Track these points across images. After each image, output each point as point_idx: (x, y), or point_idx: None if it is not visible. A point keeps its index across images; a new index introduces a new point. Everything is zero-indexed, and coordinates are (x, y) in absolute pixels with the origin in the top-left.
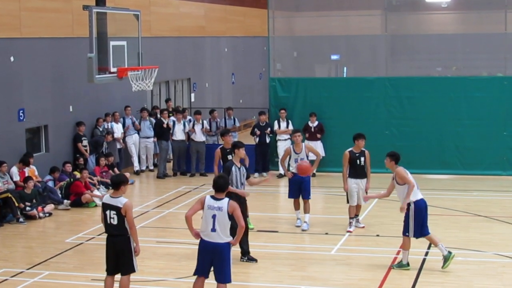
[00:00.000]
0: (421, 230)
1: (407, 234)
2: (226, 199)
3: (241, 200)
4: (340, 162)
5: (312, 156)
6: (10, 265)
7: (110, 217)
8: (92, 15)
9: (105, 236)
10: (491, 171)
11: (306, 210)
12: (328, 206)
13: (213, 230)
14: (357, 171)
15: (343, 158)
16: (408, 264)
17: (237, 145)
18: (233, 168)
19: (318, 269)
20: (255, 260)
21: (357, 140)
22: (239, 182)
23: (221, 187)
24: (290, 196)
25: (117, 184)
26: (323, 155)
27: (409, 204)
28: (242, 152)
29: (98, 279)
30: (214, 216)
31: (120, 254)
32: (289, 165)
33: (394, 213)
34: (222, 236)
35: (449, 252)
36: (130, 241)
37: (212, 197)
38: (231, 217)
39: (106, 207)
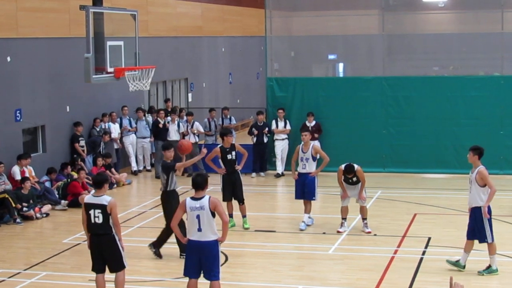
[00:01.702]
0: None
1: (486, 240)
2: (207, 197)
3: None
4: (337, 162)
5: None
6: (8, 266)
7: (94, 216)
8: (89, 15)
9: None
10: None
11: (307, 210)
12: (326, 206)
13: (199, 230)
14: (349, 183)
15: (338, 172)
16: (497, 269)
17: (165, 146)
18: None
19: (316, 268)
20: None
21: (346, 173)
22: (176, 181)
23: (200, 185)
24: (296, 197)
25: (101, 183)
26: None
27: (480, 209)
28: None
29: (95, 280)
30: (198, 216)
31: (108, 253)
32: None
33: (391, 213)
34: (209, 234)
35: (464, 266)
36: (115, 239)
37: (192, 198)
38: (214, 213)
39: (89, 206)
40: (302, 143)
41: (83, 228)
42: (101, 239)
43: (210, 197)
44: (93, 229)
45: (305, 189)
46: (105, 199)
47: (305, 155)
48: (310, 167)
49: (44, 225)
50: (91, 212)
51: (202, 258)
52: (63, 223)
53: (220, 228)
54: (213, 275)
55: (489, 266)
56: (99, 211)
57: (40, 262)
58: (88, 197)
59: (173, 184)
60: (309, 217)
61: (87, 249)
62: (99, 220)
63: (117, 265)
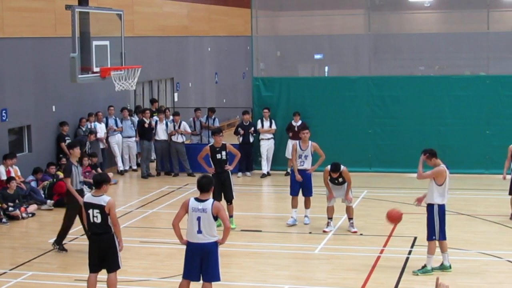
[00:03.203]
0: (444, 232)
1: (434, 238)
2: (211, 200)
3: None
4: (324, 162)
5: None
6: None
7: (93, 216)
8: (75, 15)
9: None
10: (474, 169)
11: (307, 206)
12: (312, 206)
13: (199, 232)
14: (335, 184)
15: (324, 173)
16: (432, 269)
17: (70, 145)
18: (73, 168)
19: (302, 268)
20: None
21: (332, 171)
22: (78, 181)
23: (204, 187)
24: (291, 193)
25: (100, 183)
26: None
27: (432, 206)
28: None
29: (81, 279)
30: (198, 218)
31: (105, 252)
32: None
33: (377, 212)
34: (208, 236)
35: (450, 265)
36: (114, 239)
37: (196, 199)
38: (216, 217)
39: (88, 206)
40: (298, 141)
41: (82, 226)
42: (100, 238)
43: (214, 201)
44: (92, 228)
45: (303, 186)
46: (104, 199)
47: (304, 152)
48: (308, 164)
49: (30, 225)
50: (90, 211)
51: (203, 260)
52: (49, 223)
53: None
54: (216, 276)
55: (424, 266)
56: (98, 211)
57: (26, 262)
58: (87, 196)
59: (73, 184)
60: (306, 216)
61: (73, 249)
62: (98, 219)
63: (113, 265)
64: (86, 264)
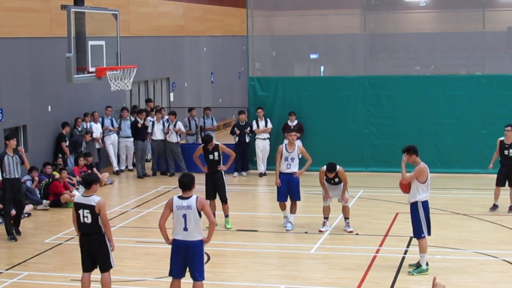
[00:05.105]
0: (429, 229)
1: (422, 235)
2: (194, 197)
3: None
4: (319, 162)
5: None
6: None
7: (83, 216)
8: (70, 15)
9: None
10: (469, 169)
11: (293, 211)
12: (308, 205)
13: (185, 229)
14: (331, 183)
15: (319, 173)
16: (427, 265)
17: (11, 137)
18: (6, 158)
19: (298, 268)
20: (15, 239)
21: (328, 171)
22: (13, 170)
23: (186, 185)
24: (279, 199)
25: (89, 183)
26: None
27: (416, 204)
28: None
29: (77, 280)
30: (184, 216)
31: (97, 252)
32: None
33: (373, 212)
34: (194, 233)
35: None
36: (105, 238)
37: (180, 197)
38: (201, 213)
39: (78, 206)
40: (285, 143)
41: (74, 226)
42: (90, 238)
43: (197, 197)
44: (82, 229)
45: (291, 190)
46: (94, 199)
47: (290, 155)
48: (295, 167)
49: (25, 225)
50: (80, 212)
51: (187, 258)
52: (44, 223)
53: (204, 228)
54: (198, 275)
55: (419, 265)
56: (88, 211)
57: (21, 262)
58: (77, 197)
59: (6, 173)
60: (290, 222)
61: (69, 249)
62: (88, 220)
63: (105, 265)
64: (81, 264)
